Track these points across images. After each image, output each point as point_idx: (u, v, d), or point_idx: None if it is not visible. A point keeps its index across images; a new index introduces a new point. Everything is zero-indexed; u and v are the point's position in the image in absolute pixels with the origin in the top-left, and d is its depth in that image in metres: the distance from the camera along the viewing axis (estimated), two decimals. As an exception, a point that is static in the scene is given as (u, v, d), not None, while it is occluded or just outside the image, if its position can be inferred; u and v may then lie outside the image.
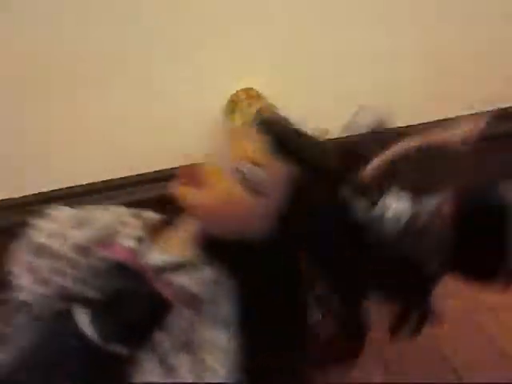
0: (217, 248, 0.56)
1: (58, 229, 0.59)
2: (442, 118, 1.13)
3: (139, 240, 0.57)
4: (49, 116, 0.99)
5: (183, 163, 1.07)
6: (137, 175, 1.06)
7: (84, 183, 1.06)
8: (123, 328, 0.52)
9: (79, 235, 0.57)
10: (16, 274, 0.57)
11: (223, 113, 1.00)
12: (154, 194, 1.06)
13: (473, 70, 1.14)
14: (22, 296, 0.55)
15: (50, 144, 1.02)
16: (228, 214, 0.54)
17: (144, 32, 0.95)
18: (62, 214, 0.62)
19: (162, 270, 0.54)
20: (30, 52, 0.92)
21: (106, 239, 0.57)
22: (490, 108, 1.16)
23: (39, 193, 1.05)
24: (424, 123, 1.14)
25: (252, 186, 0.53)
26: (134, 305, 0.52)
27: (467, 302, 0.85)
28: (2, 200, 1.05)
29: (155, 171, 1.06)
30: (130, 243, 0.57)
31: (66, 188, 1.05)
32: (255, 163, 0.54)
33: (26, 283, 0.55)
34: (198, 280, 0.54)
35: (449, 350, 0.79)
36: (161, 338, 0.53)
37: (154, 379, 0.51)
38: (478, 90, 1.15)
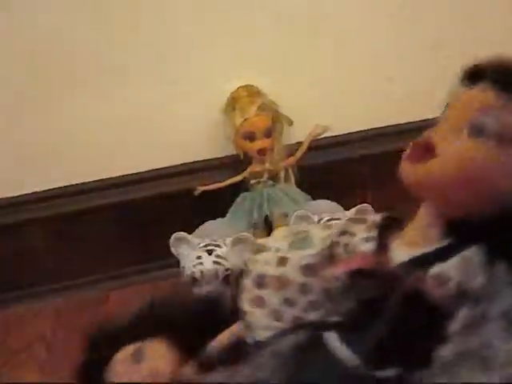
0: (469, 229, 0.41)
1: (273, 255, 0.51)
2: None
3: (375, 241, 0.46)
4: (48, 116, 0.98)
5: (183, 161, 1.08)
6: (136, 173, 1.06)
7: (83, 181, 1.05)
8: (391, 345, 0.39)
9: (304, 255, 0.49)
10: (247, 312, 0.50)
11: (223, 110, 0.99)
12: (154, 192, 1.06)
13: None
14: (259, 335, 0.48)
15: (50, 143, 1.02)
16: (468, 182, 0.40)
17: (144, 31, 0.95)
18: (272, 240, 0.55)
19: (412, 266, 0.42)
20: (30, 52, 0.92)
21: (332, 255, 0.48)
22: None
23: (38, 191, 1.04)
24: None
25: (496, 137, 0.39)
26: (399, 314, 0.40)
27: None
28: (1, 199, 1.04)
29: (154, 169, 1.06)
30: (367, 246, 0.46)
31: (66, 186, 1.05)
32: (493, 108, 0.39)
33: (259, 320, 0.49)
34: (465, 271, 0.40)
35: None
36: (444, 352, 0.39)
37: None
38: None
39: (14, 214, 1.04)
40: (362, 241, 0.46)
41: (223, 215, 1.01)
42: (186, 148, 1.05)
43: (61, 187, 1.05)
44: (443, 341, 0.39)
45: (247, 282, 0.50)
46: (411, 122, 1.09)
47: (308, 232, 0.51)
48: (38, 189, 1.04)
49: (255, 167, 1.01)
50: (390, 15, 1.04)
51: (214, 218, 1.01)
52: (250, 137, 0.95)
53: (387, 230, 0.47)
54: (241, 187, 1.03)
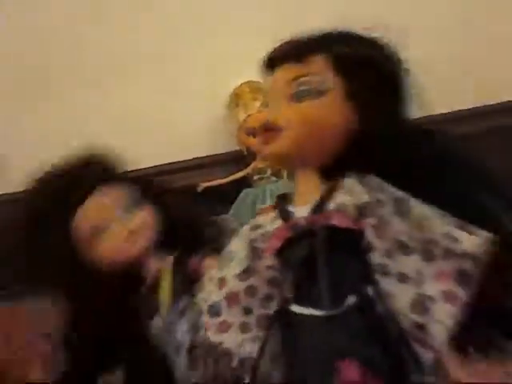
0: (338, 165, 0.49)
1: (211, 284, 0.54)
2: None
3: (279, 218, 0.51)
4: (48, 113, 0.99)
5: (186, 157, 1.08)
6: (139, 169, 1.06)
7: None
8: (338, 285, 0.45)
9: (234, 265, 0.53)
10: (219, 342, 0.52)
11: (227, 106, 0.99)
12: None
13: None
14: (241, 353, 0.51)
15: (50, 139, 1.02)
16: (313, 133, 0.48)
17: (145, 28, 0.95)
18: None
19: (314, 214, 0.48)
20: (30, 51, 0.93)
21: (255, 250, 0.52)
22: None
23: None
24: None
25: (313, 94, 0.48)
26: None
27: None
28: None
29: (157, 165, 1.06)
30: (275, 224, 0.51)
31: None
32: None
33: (233, 342, 0.52)
34: (352, 194, 0.48)
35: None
36: (376, 260, 0.45)
37: None
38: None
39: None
40: (270, 224, 0.50)
41: (226, 211, 1.01)
42: (189, 144, 1.05)
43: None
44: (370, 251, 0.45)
45: (205, 319, 0.52)
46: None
47: (228, 249, 0.54)
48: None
49: (258, 163, 1.01)
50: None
51: (217, 215, 1.01)
52: (254, 132, 0.95)
53: (284, 204, 0.52)
54: (244, 183, 1.03)
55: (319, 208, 0.47)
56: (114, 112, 1.00)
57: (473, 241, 0.41)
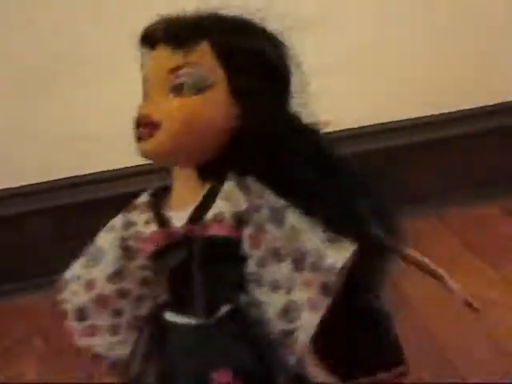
0: (216, 167, 0.48)
1: (76, 285, 0.51)
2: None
3: (154, 220, 0.49)
4: (50, 107, 0.99)
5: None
6: (138, 165, 1.06)
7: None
8: (213, 296, 0.46)
9: (103, 268, 0.50)
10: (86, 346, 0.51)
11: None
12: (158, 185, 1.06)
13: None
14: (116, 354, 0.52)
15: (51, 134, 1.02)
16: (192, 132, 0.45)
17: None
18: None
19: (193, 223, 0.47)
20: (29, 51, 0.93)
21: (128, 250, 0.50)
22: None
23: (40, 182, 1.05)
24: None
25: (194, 89, 0.45)
26: None
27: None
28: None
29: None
30: (150, 228, 0.49)
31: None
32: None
33: (102, 343, 0.51)
34: (230, 202, 0.47)
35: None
36: (251, 269, 0.47)
37: None
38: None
39: (14, 205, 1.04)
40: (145, 226, 0.49)
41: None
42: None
43: (62, 179, 1.05)
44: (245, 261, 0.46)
45: (71, 323, 0.51)
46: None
47: (95, 245, 0.52)
48: (38, 180, 1.04)
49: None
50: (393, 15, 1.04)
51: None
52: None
53: (159, 203, 0.50)
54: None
55: (197, 217, 0.46)
56: (113, 106, 1.00)
57: (339, 256, 0.43)
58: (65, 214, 1.05)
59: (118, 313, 0.50)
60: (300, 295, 0.44)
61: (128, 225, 0.50)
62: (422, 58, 1.09)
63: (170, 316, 0.47)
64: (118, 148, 1.04)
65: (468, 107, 1.14)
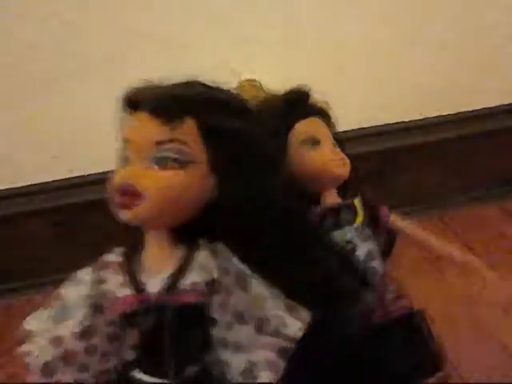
0: (189, 233, 0.50)
1: (44, 340, 0.51)
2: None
3: (126, 283, 0.50)
4: (50, 104, 0.98)
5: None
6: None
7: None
8: (183, 361, 0.49)
9: (71, 324, 0.50)
10: None
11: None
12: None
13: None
14: None
15: (52, 133, 1.02)
16: (171, 205, 0.47)
17: (141, 29, 0.95)
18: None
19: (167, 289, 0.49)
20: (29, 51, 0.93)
21: (97, 307, 0.51)
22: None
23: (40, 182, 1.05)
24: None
25: (177, 162, 0.46)
26: None
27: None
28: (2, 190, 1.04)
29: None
30: (123, 292, 0.50)
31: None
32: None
33: None
34: (203, 270, 0.49)
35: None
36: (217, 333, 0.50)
37: None
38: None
39: (14, 205, 1.04)
40: (118, 288, 0.50)
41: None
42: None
43: (62, 179, 1.05)
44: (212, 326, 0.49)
45: (36, 379, 0.50)
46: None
47: (63, 299, 0.51)
48: (40, 180, 1.04)
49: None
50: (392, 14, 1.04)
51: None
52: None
53: (132, 265, 0.51)
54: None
55: (171, 286, 0.48)
56: (114, 105, 1.00)
57: (296, 326, 0.47)
58: (64, 214, 1.05)
59: (83, 368, 0.51)
60: (260, 356, 0.47)
61: (98, 282, 0.51)
62: (422, 61, 1.10)
63: (138, 375, 0.49)
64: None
65: (468, 109, 1.14)
